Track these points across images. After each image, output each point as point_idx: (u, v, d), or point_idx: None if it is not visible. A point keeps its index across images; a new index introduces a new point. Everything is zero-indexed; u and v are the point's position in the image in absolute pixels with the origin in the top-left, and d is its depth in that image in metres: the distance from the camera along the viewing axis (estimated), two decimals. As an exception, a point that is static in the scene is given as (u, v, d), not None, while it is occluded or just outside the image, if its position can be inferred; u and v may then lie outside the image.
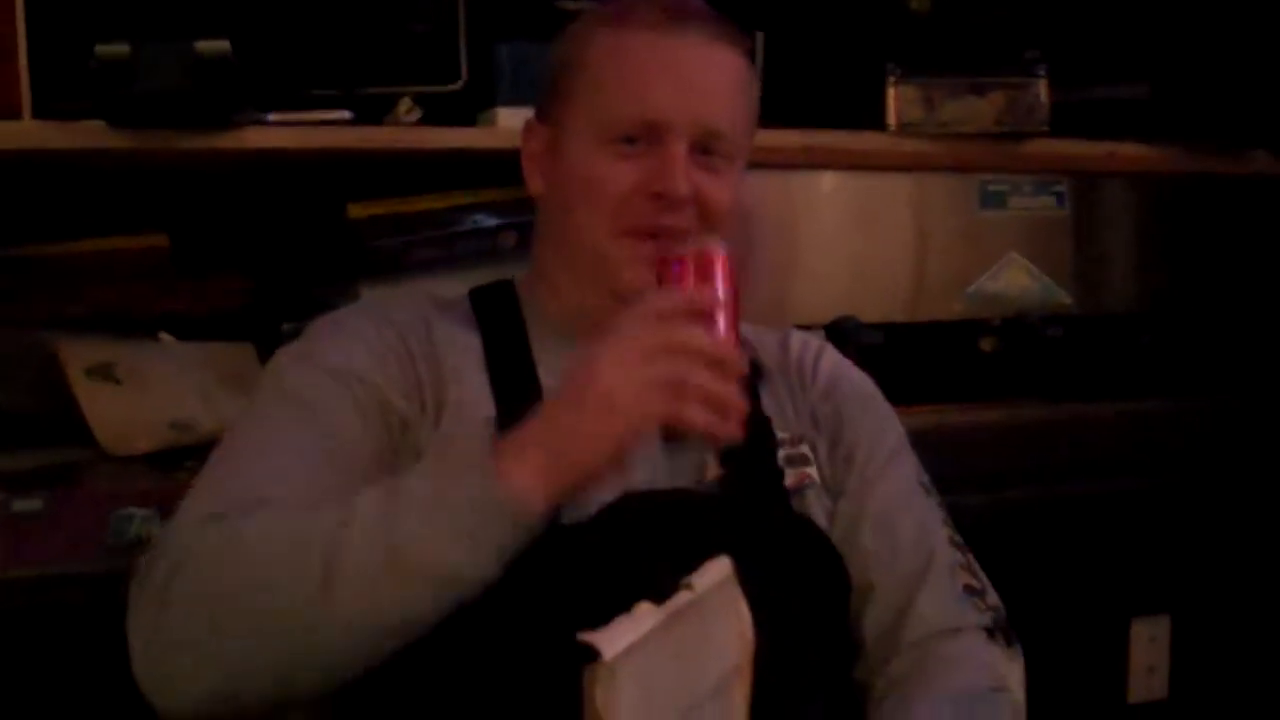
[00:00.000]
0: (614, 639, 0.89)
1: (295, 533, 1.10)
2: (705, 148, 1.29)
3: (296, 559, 1.08)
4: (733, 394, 1.13)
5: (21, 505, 1.54)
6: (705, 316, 1.17)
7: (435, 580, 1.09)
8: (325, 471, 1.19)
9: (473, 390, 1.28)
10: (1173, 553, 2.18)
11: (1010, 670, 1.31)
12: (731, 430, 1.13)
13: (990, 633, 1.32)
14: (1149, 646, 2.20)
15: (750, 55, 1.37)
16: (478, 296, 1.39)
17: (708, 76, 1.30)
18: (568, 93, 1.32)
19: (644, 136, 1.28)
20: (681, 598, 0.95)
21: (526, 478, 1.09)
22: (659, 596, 0.97)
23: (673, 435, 1.14)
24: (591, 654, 0.88)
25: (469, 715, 1.15)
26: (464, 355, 1.31)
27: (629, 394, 1.10)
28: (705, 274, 1.21)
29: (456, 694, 1.17)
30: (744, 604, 1.04)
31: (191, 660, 1.10)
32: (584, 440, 1.11)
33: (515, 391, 1.29)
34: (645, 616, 0.92)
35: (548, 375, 1.31)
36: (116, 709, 1.51)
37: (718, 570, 0.99)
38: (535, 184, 1.37)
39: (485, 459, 1.10)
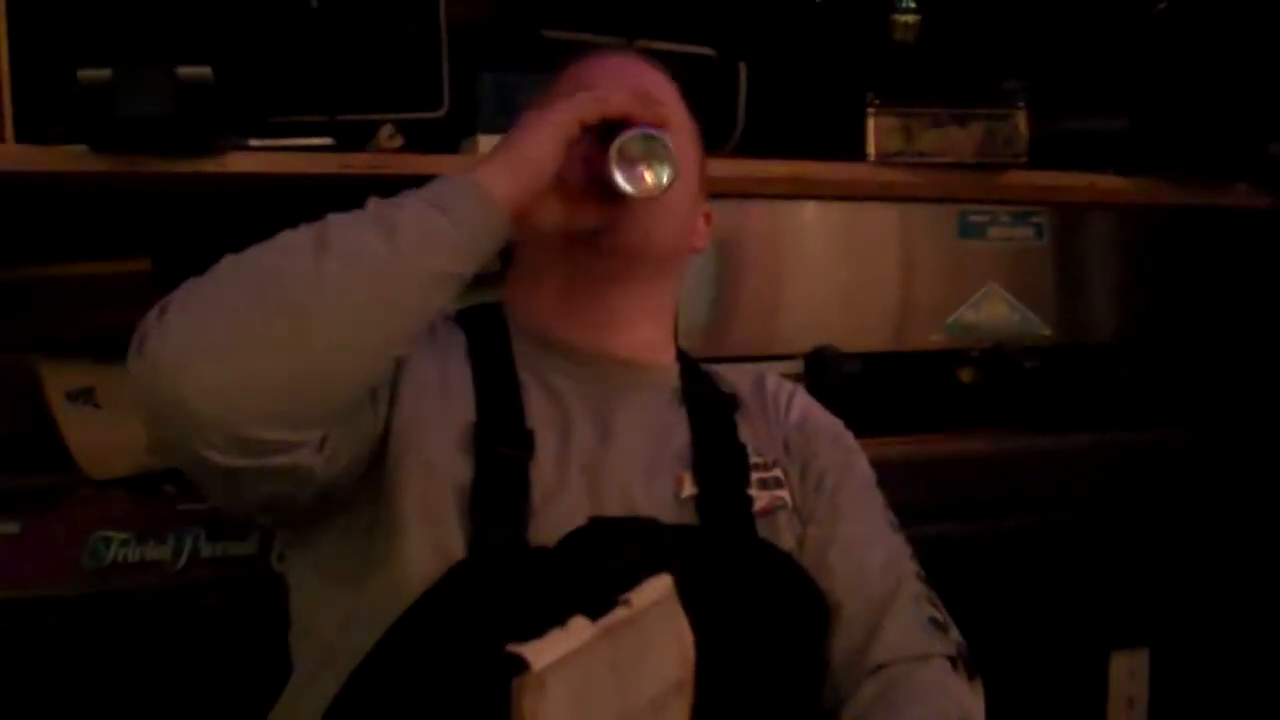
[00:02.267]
0: (543, 650, 0.89)
1: (280, 236, 1.21)
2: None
3: (286, 240, 1.20)
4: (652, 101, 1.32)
5: (-1, 528, 1.54)
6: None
7: (418, 239, 1.19)
8: None
9: (460, 394, 1.32)
10: (1152, 585, 2.18)
11: (975, 705, 1.33)
12: (654, 116, 1.30)
13: (954, 663, 1.34)
14: (1128, 680, 2.20)
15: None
16: (464, 314, 1.45)
17: (650, 76, 1.44)
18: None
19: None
20: (618, 613, 0.95)
21: (484, 171, 1.25)
22: (596, 613, 0.98)
23: (621, 144, 1.29)
24: (521, 665, 0.88)
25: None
26: (455, 357, 1.36)
27: (563, 104, 1.29)
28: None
29: (397, 711, 1.18)
30: (685, 621, 1.04)
31: (200, 340, 1.13)
32: (527, 135, 1.27)
33: (496, 396, 1.33)
34: (578, 630, 0.92)
35: (527, 382, 1.36)
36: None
37: (657, 587, 1.00)
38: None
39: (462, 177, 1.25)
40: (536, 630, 1.07)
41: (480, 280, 1.82)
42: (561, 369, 1.39)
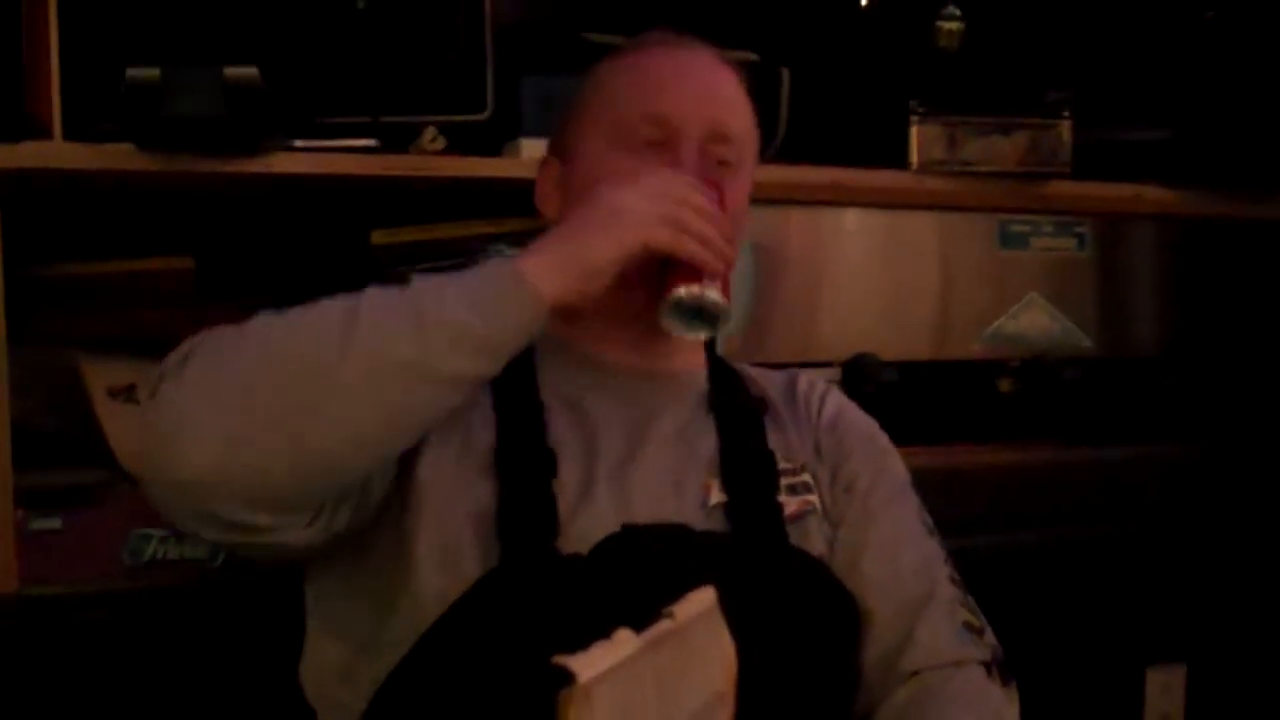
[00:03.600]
0: (589, 663, 0.89)
1: (316, 307, 1.17)
2: (715, 153, 1.34)
3: (317, 318, 1.15)
4: (722, 242, 1.25)
5: (40, 523, 1.55)
6: (708, 189, 1.28)
7: (448, 340, 1.14)
8: None
9: (479, 415, 1.30)
10: (1190, 601, 2.17)
11: (1010, 713, 1.32)
12: (718, 266, 1.25)
13: (989, 669, 1.33)
14: (1164, 696, 2.18)
15: (747, 84, 1.44)
16: None
17: (717, 84, 1.38)
18: (579, 116, 1.38)
19: (656, 139, 1.32)
20: (662, 625, 0.95)
21: (535, 264, 1.18)
22: (640, 625, 0.98)
23: (678, 298, 1.25)
24: (567, 677, 0.88)
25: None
26: None
27: (636, 212, 1.22)
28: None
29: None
30: (727, 633, 1.04)
31: (207, 407, 1.11)
32: (590, 237, 1.21)
33: (518, 418, 1.31)
34: (623, 643, 0.92)
35: (550, 397, 1.34)
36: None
37: (700, 600, 0.99)
38: (550, 210, 1.41)
39: (505, 266, 1.20)
40: (571, 636, 1.07)
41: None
42: (592, 388, 1.37)
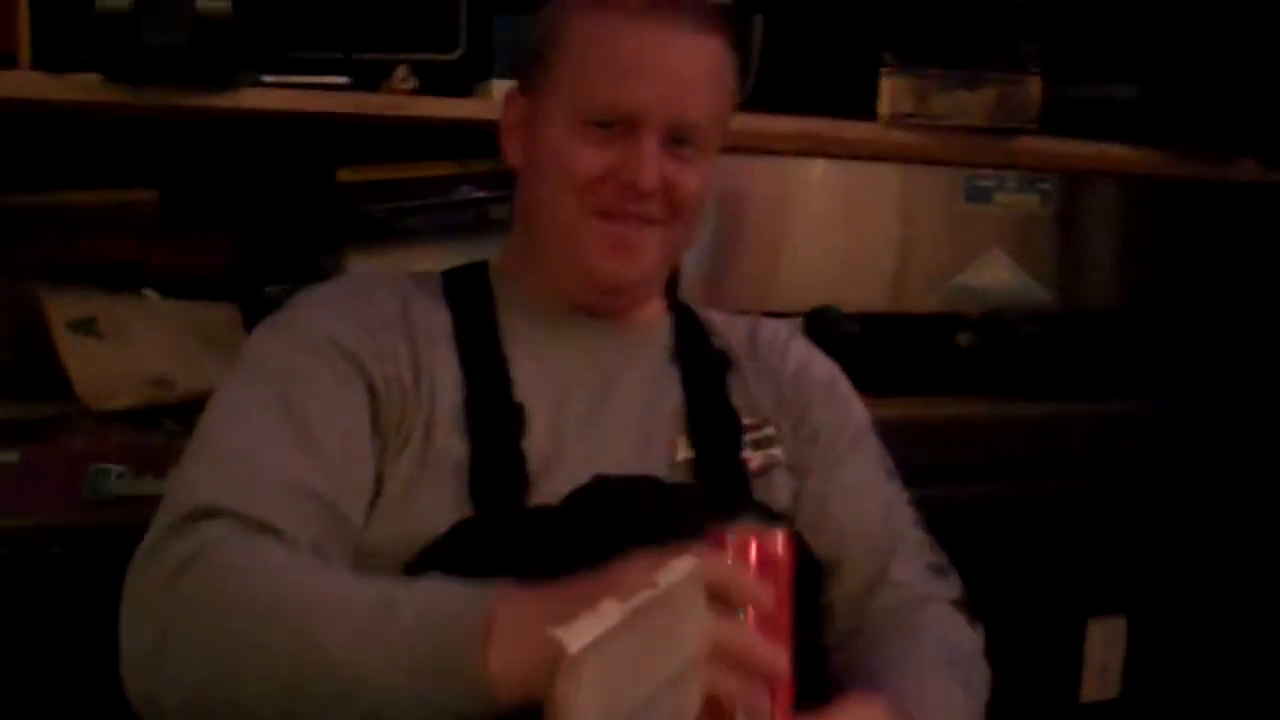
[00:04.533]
0: (578, 633, 0.90)
1: (292, 620, 1.06)
2: (678, 138, 1.30)
3: (281, 647, 1.05)
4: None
5: (-1, 456, 1.55)
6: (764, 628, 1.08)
7: (382, 694, 1.04)
8: (310, 463, 1.19)
9: (444, 371, 1.29)
10: (1133, 554, 2.20)
11: (979, 647, 1.35)
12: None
13: (956, 605, 1.36)
14: (1104, 646, 2.22)
15: (731, 37, 1.37)
16: (451, 278, 1.40)
17: (684, 67, 1.31)
18: (546, 69, 1.33)
19: (618, 123, 1.29)
20: (646, 594, 0.96)
21: (506, 649, 1.01)
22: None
23: None
24: (557, 647, 0.89)
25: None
26: (437, 336, 1.32)
27: None
28: (768, 570, 1.10)
29: None
30: (705, 600, 1.05)
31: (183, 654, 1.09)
32: None
33: (484, 373, 1.31)
34: (610, 611, 0.93)
35: (515, 354, 1.33)
36: (92, 661, 1.53)
37: (683, 566, 1.00)
38: (513, 154, 1.38)
39: (475, 639, 1.01)
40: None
41: (484, 227, 1.84)
42: (558, 341, 1.36)
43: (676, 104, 1.29)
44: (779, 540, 1.10)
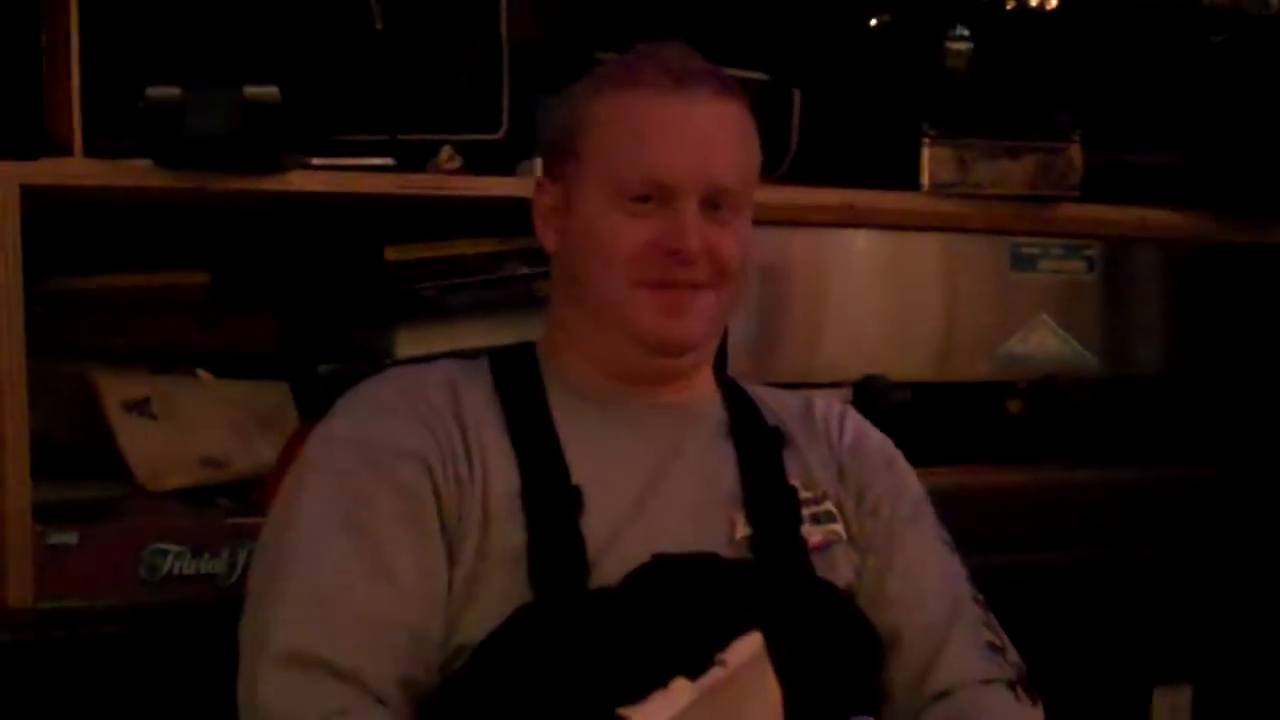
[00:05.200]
0: (651, 714, 0.90)
1: None
2: (714, 203, 1.32)
3: None
4: None
5: (57, 538, 1.56)
6: None
7: None
8: (387, 592, 1.22)
9: (496, 458, 1.29)
10: (1196, 620, 2.17)
11: None
12: None
13: (1014, 686, 1.34)
14: (1171, 715, 2.19)
15: (750, 104, 1.39)
16: (497, 362, 1.40)
17: (713, 134, 1.33)
18: (575, 151, 1.35)
19: (654, 196, 1.30)
20: (715, 674, 0.97)
21: None
22: (693, 672, 0.98)
23: None
24: None
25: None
26: (488, 423, 1.32)
27: None
28: None
29: None
30: (774, 679, 1.05)
31: None
32: None
33: (537, 458, 1.30)
34: (680, 692, 0.94)
35: (568, 436, 1.33)
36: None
37: (749, 646, 1.01)
38: (548, 240, 1.40)
39: None
40: (605, 669, 1.08)
41: (530, 302, 1.85)
42: (610, 421, 1.36)
43: (709, 170, 1.31)
44: None
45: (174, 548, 1.59)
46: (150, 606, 1.58)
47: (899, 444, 1.49)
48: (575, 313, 1.38)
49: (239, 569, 1.59)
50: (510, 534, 1.25)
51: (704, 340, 1.37)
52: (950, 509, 1.47)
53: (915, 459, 1.49)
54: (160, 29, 1.62)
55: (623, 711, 0.91)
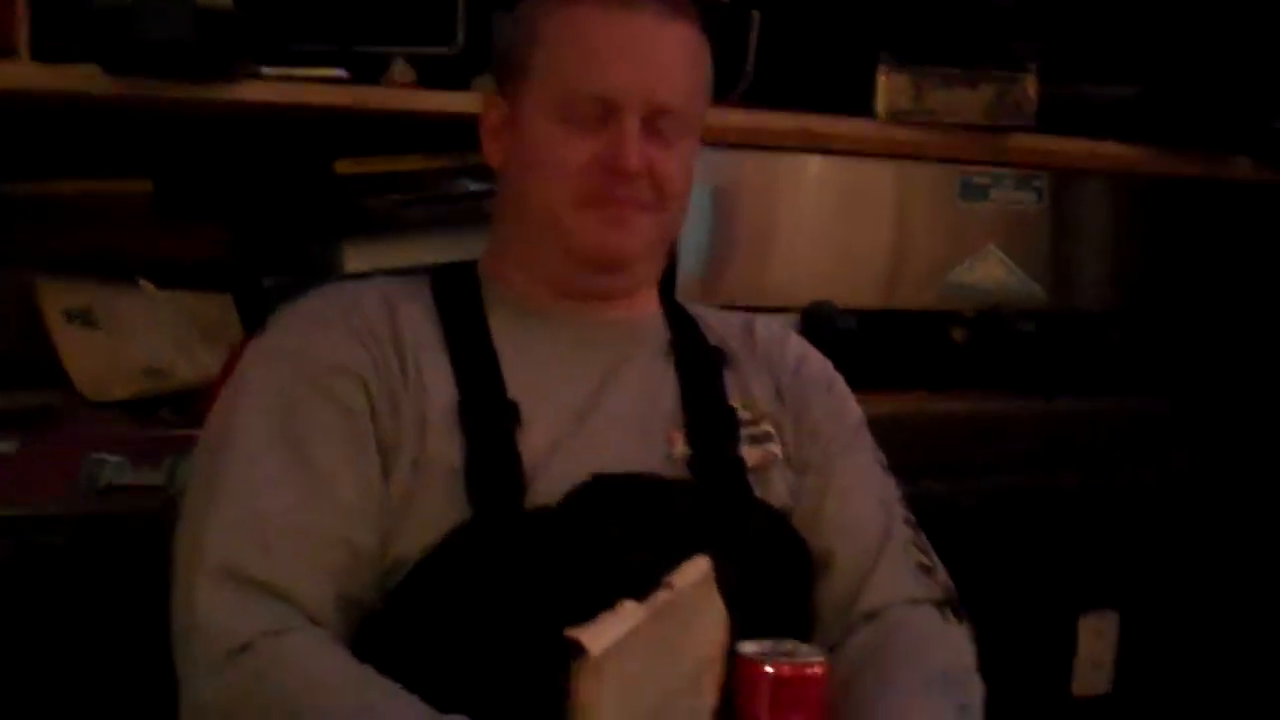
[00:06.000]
0: (599, 635, 0.91)
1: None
2: (658, 123, 1.32)
3: None
4: None
5: (-5, 446, 1.55)
6: None
7: None
8: (322, 506, 1.22)
9: (435, 374, 1.30)
10: (1124, 550, 2.21)
11: (966, 649, 1.35)
12: None
13: (941, 607, 1.35)
14: (1096, 641, 2.23)
15: (703, 26, 1.38)
16: (438, 279, 1.40)
17: (659, 53, 1.33)
18: (523, 67, 1.35)
19: (599, 113, 1.30)
20: (662, 596, 0.98)
21: None
22: (637, 594, 0.99)
23: None
24: (577, 649, 0.90)
25: (452, 705, 1.15)
26: (426, 339, 1.32)
27: None
28: (803, 702, 1.15)
29: (438, 683, 1.17)
30: (720, 601, 1.06)
31: None
32: None
33: (475, 372, 1.31)
34: (628, 613, 0.95)
35: (507, 352, 1.33)
36: (90, 650, 1.54)
37: (696, 569, 1.02)
38: (494, 156, 1.40)
39: None
40: (544, 589, 1.09)
41: (481, 219, 1.84)
42: (550, 338, 1.36)
43: (653, 88, 1.31)
44: (815, 670, 1.12)
45: (113, 458, 1.58)
46: (89, 516, 1.57)
47: (844, 370, 1.50)
48: (517, 229, 1.38)
49: (179, 480, 1.59)
50: (447, 448, 1.26)
51: (641, 256, 1.37)
52: (891, 435, 1.49)
53: (859, 384, 1.50)
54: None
55: (571, 632, 0.92)
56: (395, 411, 1.27)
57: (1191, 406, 2.26)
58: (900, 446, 1.48)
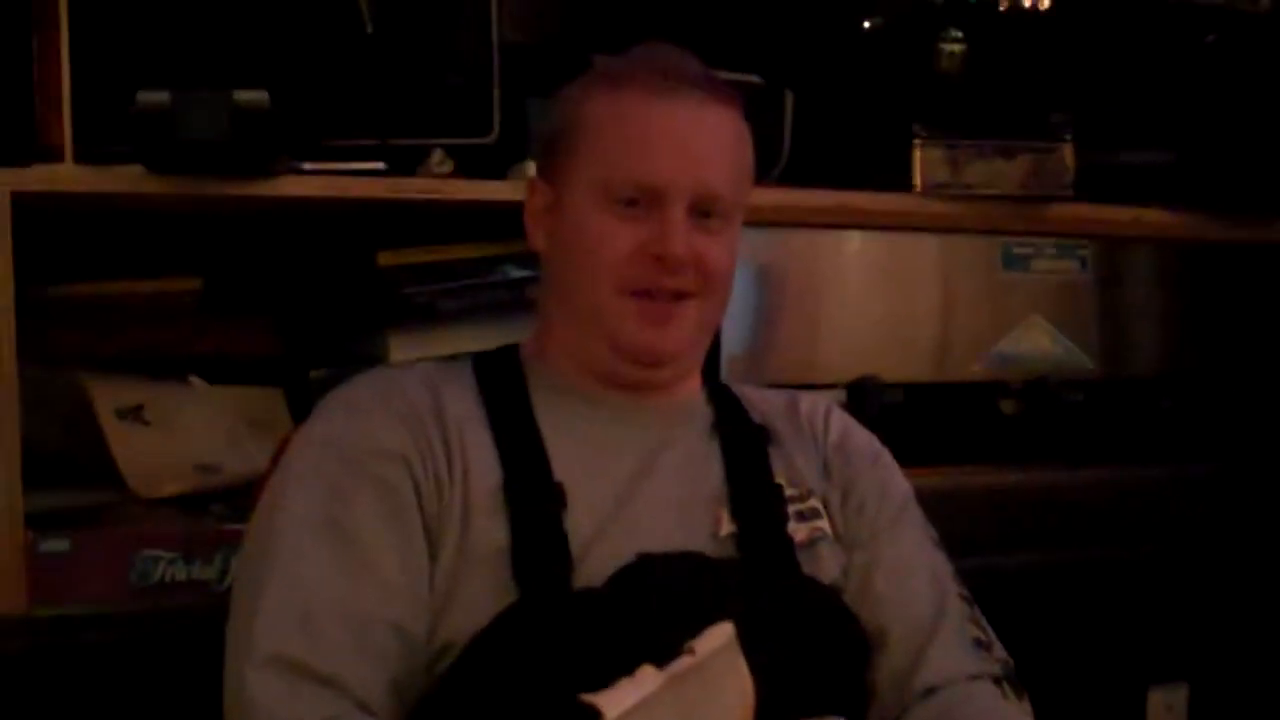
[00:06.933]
0: (615, 700, 0.91)
1: None
2: (703, 210, 1.32)
3: None
4: None
5: (48, 545, 1.55)
6: None
7: None
8: (370, 591, 1.22)
9: (479, 456, 1.30)
10: (1192, 621, 2.17)
11: None
12: None
13: (1000, 682, 1.34)
14: (1166, 715, 2.19)
15: (743, 110, 1.39)
16: (480, 362, 1.41)
17: (703, 140, 1.33)
18: (568, 152, 1.35)
19: (643, 200, 1.30)
20: (683, 661, 0.97)
21: None
22: (661, 660, 0.98)
23: None
24: (594, 714, 0.89)
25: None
26: (470, 420, 1.32)
27: None
28: None
29: None
30: (745, 667, 1.05)
31: None
32: None
33: (519, 454, 1.31)
34: (647, 679, 0.94)
35: (551, 433, 1.33)
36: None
37: (719, 634, 1.01)
38: (538, 240, 1.40)
39: None
40: (591, 670, 1.08)
41: (522, 306, 1.85)
42: (595, 418, 1.36)
43: (698, 175, 1.31)
44: None
45: (165, 554, 1.59)
46: (142, 613, 1.58)
47: (892, 444, 1.49)
48: (561, 314, 1.38)
49: (230, 575, 1.59)
50: (492, 531, 1.26)
51: (686, 352, 1.37)
52: (945, 509, 1.48)
53: (909, 459, 1.49)
54: (150, 34, 1.62)
55: (588, 698, 0.91)
56: (439, 492, 1.27)
57: (1247, 472, 2.23)
58: (954, 520, 1.47)
